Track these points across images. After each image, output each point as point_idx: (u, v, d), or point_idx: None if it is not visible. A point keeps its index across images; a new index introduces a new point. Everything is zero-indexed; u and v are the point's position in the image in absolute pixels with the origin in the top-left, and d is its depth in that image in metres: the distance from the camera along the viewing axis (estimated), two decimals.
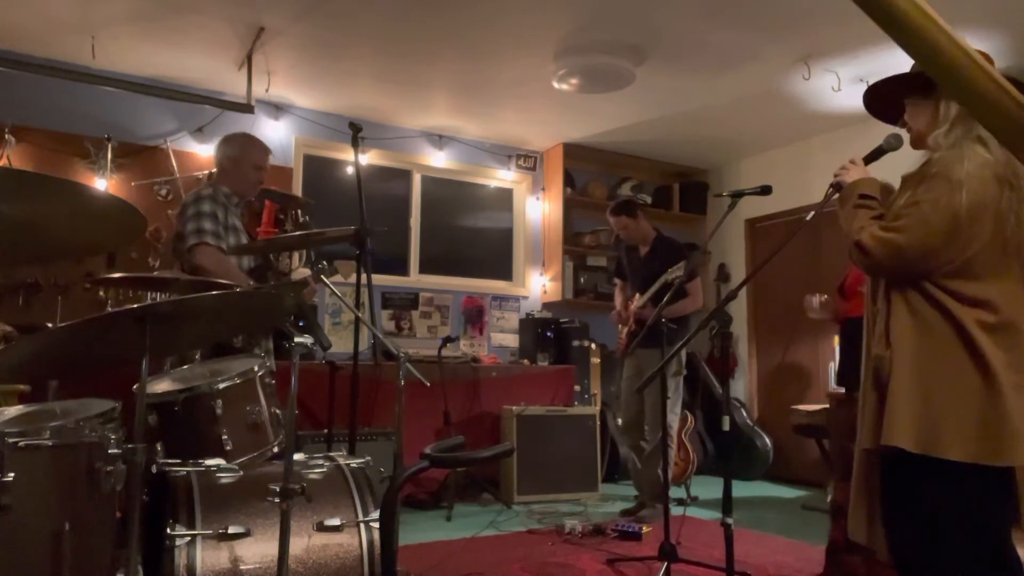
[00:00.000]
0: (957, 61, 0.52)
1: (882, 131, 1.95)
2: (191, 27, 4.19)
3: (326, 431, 3.70)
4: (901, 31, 0.51)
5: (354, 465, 2.03)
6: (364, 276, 2.83)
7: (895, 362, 1.67)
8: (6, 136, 4.35)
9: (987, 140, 1.65)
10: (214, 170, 3.27)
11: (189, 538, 1.68)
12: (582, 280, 6.20)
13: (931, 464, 1.58)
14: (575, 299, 6.11)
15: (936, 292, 1.64)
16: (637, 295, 4.26)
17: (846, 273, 3.91)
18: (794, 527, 4.05)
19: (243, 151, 3.05)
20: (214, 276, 2.55)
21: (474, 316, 5.98)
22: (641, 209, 4.40)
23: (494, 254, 6.37)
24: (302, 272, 4.34)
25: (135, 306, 1.59)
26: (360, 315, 2.73)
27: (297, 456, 1.91)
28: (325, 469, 1.96)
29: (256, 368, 2.27)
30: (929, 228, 1.62)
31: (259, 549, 1.73)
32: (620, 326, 4.44)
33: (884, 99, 1.88)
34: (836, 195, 1.91)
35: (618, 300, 4.52)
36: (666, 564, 2.92)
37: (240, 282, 2.74)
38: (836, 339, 4.59)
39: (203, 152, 4.96)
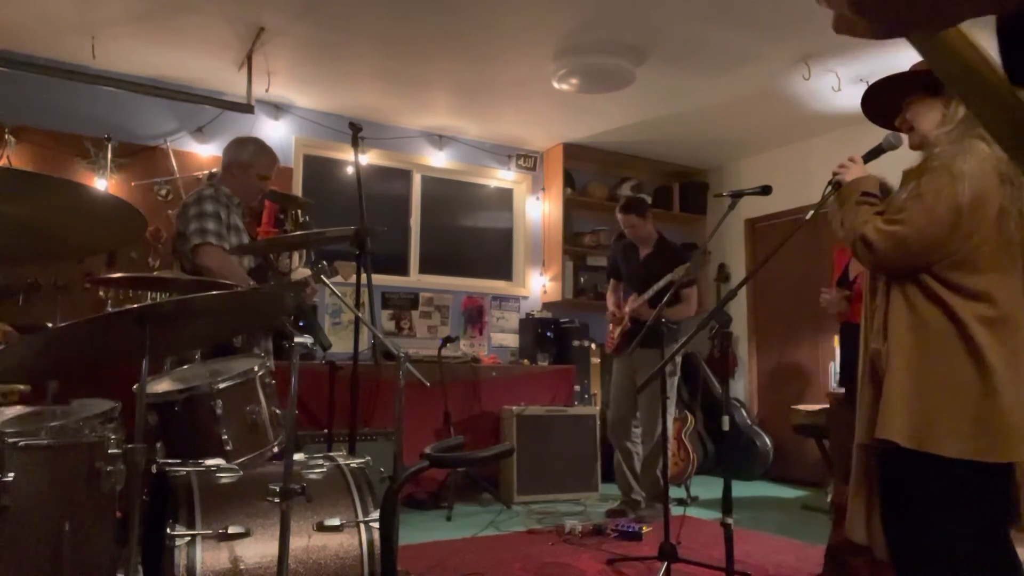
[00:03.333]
0: (976, 66, 0.51)
1: (882, 131, 1.94)
2: (191, 27, 4.19)
3: (326, 431, 3.69)
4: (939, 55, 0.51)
5: (354, 465, 2.03)
6: (364, 276, 2.82)
7: (891, 356, 1.67)
8: (6, 136, 4.35)
9: (988, 137, 1.65)
10: (215, 170, 3.26)
11: (189, 538, 1.68)
12: (582, 280, 6.20)
13: (925, 460, 1.57)
14: (575, 299, 6.11)
15: (936, 286, 1.64)
16: (634, 295, 4.25)
17: (843, 266, 3.91)
18: (794, 527, 4.05)
19: (254, 159, 3.04)
20: (218, 276, 2.55)
21: (474, 316, 5.98)
22: (649, 210, 4.41)
23: (494, 254, 6.36)
24: (302, 272, 4.34)
25: (135, 306, 1.59)
26: (360, 315, 2.72)
27: (297, 456, 1.91)
28: (325, 469, 1.96)
29: (256, 368, 2.26)
30: (932, 218, 1.62)
31: (259, 549, 1.73)
32: (612, 325, 4.43)
33: (884, 98, 1.87)
34: (834, 193, 1.91)
35: (610, 300, 4.51)
36: (666, 564, 2.92)
37: (243, 282, 2.73)
38: (836, 339, 4.59)
39: (203, 152, 4.96)
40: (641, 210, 4.33)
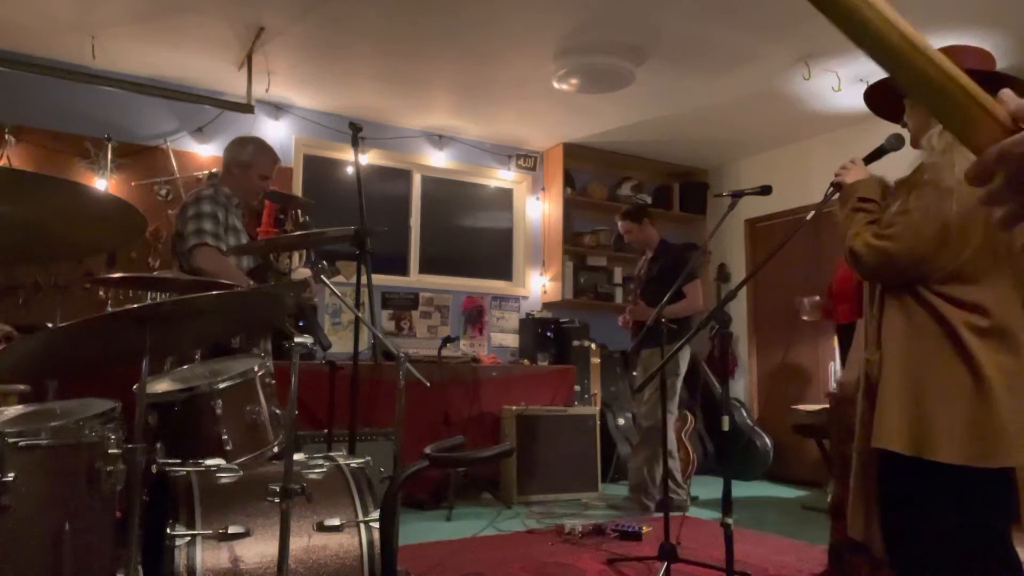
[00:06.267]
0: (900, 48, 0.50)
1: (883, 131, 1.94)
2: (191, 27, 4.19)
3: (326, 431, 3.69)
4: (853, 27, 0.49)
5: (354, 465, 2.03)
6: (364, 276, 2.82)
7: (885, 365, 1.67)
8: (6, 136, 4.35)
9: None
10: (215, 170, 3.26)
11: (189, 538, 1.68)
12: (582, 280, 6.20)
13: (923, 465, 1.58)
14: (575, 299, 6.11)
15: (929, 296, 1.64)
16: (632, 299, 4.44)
17: (834, 275, 3.93)
18: (794, 527, 4.04)
19: (253, 158, 3.04)
20: (213, 277, 2.55)
21: (474, 316, 5.97)
22: (648, 216, 4.49)
23: (494, 254, 6.36)
24: (302, 272, 4.34)
25: (135, 306, 1.59)
26: (360, 315, 2.72)
27: (297, 456, 1.91)
28: (325, 469, 1.96)
29: (256, 368, 2.26)
30: (919, 236, 1.62)
31: (259, 549, 1.73)
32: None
33: (886, 97, 1.87)
34: (836, 195, 1.91)
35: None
36: (666, 564, 2.92)
37: (240, 283, 2.73)
38: (836, 340, 4.61)
39: (203, 152, 4.96)
40: (635, 216, 4.43)
